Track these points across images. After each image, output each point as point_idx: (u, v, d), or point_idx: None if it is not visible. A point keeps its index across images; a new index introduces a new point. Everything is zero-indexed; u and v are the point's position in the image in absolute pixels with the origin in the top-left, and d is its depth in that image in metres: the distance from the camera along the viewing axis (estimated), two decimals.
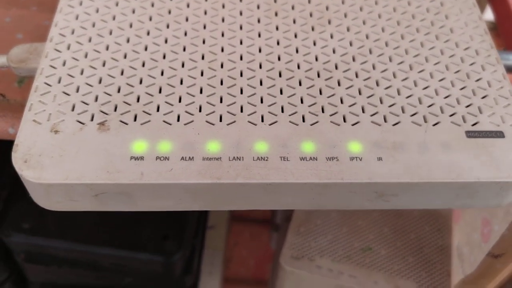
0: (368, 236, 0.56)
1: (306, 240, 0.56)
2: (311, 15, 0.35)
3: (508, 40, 0.46)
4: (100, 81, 0.30)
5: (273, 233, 0.80)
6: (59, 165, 0.26)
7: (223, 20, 0.34)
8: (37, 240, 0.54)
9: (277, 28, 0.34)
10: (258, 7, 0.35)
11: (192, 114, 0.29)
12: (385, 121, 0.29)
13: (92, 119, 0.28)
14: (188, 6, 0.34)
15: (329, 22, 0.34)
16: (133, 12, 0.34)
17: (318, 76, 0.31)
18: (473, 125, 0.30)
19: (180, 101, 0.29)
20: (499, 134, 0.29)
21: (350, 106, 0.30)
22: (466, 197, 0.29)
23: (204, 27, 0.33)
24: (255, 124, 0.29)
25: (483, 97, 0.31)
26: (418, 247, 0.55)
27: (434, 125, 0.29)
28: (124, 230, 0.55)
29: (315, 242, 0.55)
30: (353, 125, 0.29)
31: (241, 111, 0.29)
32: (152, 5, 0.34)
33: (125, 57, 0.31)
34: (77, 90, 0.29)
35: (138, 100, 0.29)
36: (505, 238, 0.38)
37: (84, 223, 0.55)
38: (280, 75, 0.31)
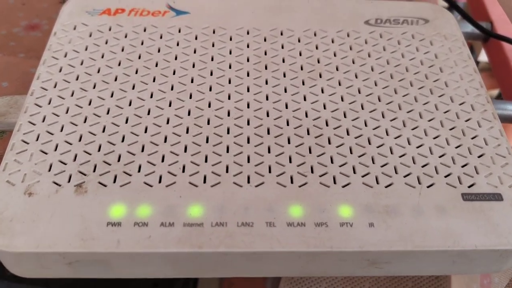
0: (364, 284, 0.54)
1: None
2: (302, 68, 0.34)
3: (505, 88, 0.45)
4: (80, 139, 0.29)
5: (268, 279, 0.77)
6: (31, 231, 0.25)
7: (211, 74, 0.33)
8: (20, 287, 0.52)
9: (266, 82, 0.33)
10: (248, 59, 0.34)
11: (175, 175, 0.27)
12: (377, 182, 0.28)
13: (69, 180, 0.27)
14: (176, 58, 0.34)
15: (320, 75, 0.33)
16: (119, 64, 0.33)
17: (308, 133, 0.30)
18: (470, 186, 0.28)
19: (163, 160, 0.28)
20: (497, 197, 0.28)
21: (340, 166, 0.29)
22: (464, 264, 0.27)
23: (192, 81, 0.32)
24: (241, 186, 0.27)
25: (480, 156, 0.30)
26: None
27: (428, 187, 0.28)
28: (113, 279, 0.53)
29: None
30: (343, 186, 0.28)
31: (227, 171, 0.28)
32: (139, 57, 0.33)
33: (108, 112, 0.30)
34: (56, 149, 0.28)
35: (119, 160, 0.28)
36: None
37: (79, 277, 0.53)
38: (268, 132, 0.30)
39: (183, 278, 0.57)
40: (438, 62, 0.35)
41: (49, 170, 0.27)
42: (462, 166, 0.29)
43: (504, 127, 0.32)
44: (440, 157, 0.30)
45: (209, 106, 0.31)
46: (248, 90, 0.32)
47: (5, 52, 0.42)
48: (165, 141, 0.29)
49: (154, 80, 0.32)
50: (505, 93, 0.45)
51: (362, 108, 0.32)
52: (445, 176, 0.29)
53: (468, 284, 0.53)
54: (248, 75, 0.33)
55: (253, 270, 0.26)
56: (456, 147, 0.30)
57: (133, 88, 0.32)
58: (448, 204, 0.28)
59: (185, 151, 0.28)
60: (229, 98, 0.32)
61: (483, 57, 0.75)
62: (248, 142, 0.29)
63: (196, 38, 0.35)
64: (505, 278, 0.44)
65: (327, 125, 0.31)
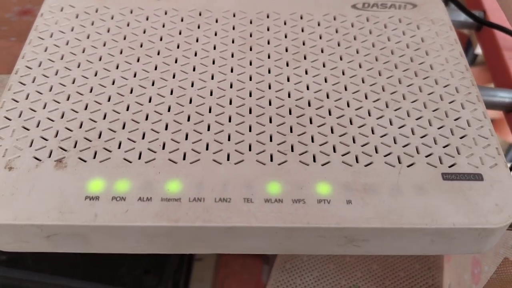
0: (356, 273, 0.54)
1: (291, 277, 0.54)
2: (286, 50, 0.34)
3: (496, 76, 0.45)
4: (62, 116, 0.29)
5: (265, 265, 0.78)
6: (9, 204, 0.25)
7: (195, 54, 0.33)
8: (14, 272, 0.53)
9: (250, 63, 0.33)
10: (232, 41, 0.34)
11: (155, 152, 0.28)
12: (357, 161, 0.28)
13: (50, 156, 0.27)
14: (161, 39, 0.34)
15: (305, 57, 0.33)
16: (104, 45, 0.33)
17: (290, 113, 0.30)
18: (450, 166, 0.28)
19: (143, 137, 0.28)
20: (478, 177, 0.28)
21: (321, 145, 0.29)
22: (443, 243, 0.27)
23: (176, 61, 0.32)
24: (220, 163, 0.27)
25: (462, 137, 0.30)
26: (408, 286, 0.53)
27: (408, 166, 0.28)
28: (104, 264, 0.53)
29: (300, 280, 0.53)
30: (323, 165, 0.28)
31: (207, 149, 0.28)
32: (124, 38, 0.34)
33: (91, 91, 0.30)
34: (38, 125, 0.28)
35: (99, 136, 0.28)
36: (493, 282, 0.36)
37: (63, 256, 0.53)
38: (250, 112, 0.30)
39: (175, 265, 0.57)
40: (424, 46, 0.35)
41: (30, 146, 0.27)
42: (444, 147, 0.29)
43: (498, 121, 0.32)
44: (422, 137, 0.30)
45: (192, 85, 0.31)
46: (231, 71, 0.32)
47: None
48: (146, 119, 0.29)
49: (138, 60, 0.32)
50: (497, 81, 0.45)
51: (345, 90, 0.32)
52: (426, 156, 0.29)
53: (459, 274, 0.53)
54: (232, 56, 0.33)
55: (230, 246, 0.27)
56: (439, 128, 0.30)
57: (117, 68, 0.32)
58: (427, 183, 0.27)
59: (166, 129, 0.29)
60: (212, 78, 0.32)
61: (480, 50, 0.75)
62: (230, 121, 0.29)
63: (182, 20, 0.35)
64: (494, 266, 0.44)
65: (309, 105, 0.31)
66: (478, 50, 0.77)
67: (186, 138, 0.28)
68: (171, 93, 0.31)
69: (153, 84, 0.31)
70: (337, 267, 0.54)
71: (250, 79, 0.32)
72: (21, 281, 0.53)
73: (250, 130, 0.29)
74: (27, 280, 0.53)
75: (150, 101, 0.30)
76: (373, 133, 0.29)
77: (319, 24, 0.36)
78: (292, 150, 0.28)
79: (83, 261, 0.53)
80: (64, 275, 0.52)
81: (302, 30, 0.35)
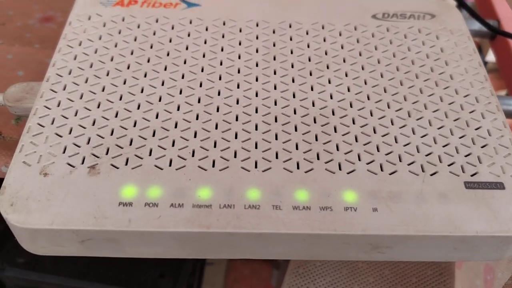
0: (368, 278, 0.54)
1: (304, 281, 0.55)
2: (309, 59, 0.35)
3: (511, 85, 0.45)
4: (93, 123, 0.30)
5: (274, 270, 0.78)
6: (46, 209, 0.26)
7: (221, 63, 0.34)
8: (31, 275, 0.53)
9: (275, 72, 0.33)
10: (257, 50, 0.35)
11: (185, 159, 0.28)
12: (382, 169, 0.29)
13: (82, 162, 0.28)
14: (187, 48, 0.35)
15: (328, 67, 0.34)
16: (132, 53, 0.34)
17: (315, 122, 0.31)
18: (472, 175, 0.29)
19: (173, 145, 0.29)
20: (499, 186, 0.29)
21: (346, 153, 0.29)
22: (465, 250, 0.28)
23: (202, 70, 0.33)
24: (248, 170, 0.28)
25: (483, 146, 0.30)
26: None
27: (431, 175, 0.29)
28: (120, 267, 0.54)
29: (313, 284, 0.54)
30: (348, 173, 0.28)
31: (235, 156, 0.29)
32: (151, 46, 0.34)
33: (120, 98, 0.31)
34: (70, 132, 0.29)
35: (130, 144, 0.29)
36: None
37: (79, 259, 0.54)
38: (276, 120, 0.31)
39: (190, 269, 0.58)
40: (443, 56, 0.36)
41: (64, 152, 0.28)
42: (465, 156, 0.30)
43: None
44: (443, 146, 0.30)
45: (219, 94, 0.32)
46: (256, 80, 0.33)
47: (21, 43, 0.43)
48: (176, 126, 0.30)
49: (165, 69, 0.33)
50: (511, 90, 0.46)
51: (368, 99, 0.32)
52: (448, 165, 0.29)
53: (471, 280, 0.54)
54: (256, 65, 0.34)
55: (258, 252, 0.27)
56: (460, 137, 0.31)
57: (145, 76, 0.32)
58: (450, 191, 0.28)
59: (195, 136, 0.29)
60: (238, 87, 0.32)
61: (490, 57, 0.75)
62: (256, 129, 0.30)
63: (206, 30, 0.36)
64: (508, 273, 0.45)
65: (333, 114, 0.31)
66: (488, 58, 0.78)
67: (215, 146, 0.29)
68: (199, 101, 0.31)
69: (180, 93, 0.32)
70: (350, 272, 0.55)
71: (275, 88, 0.33)
72: (39, 283, 0.53)
73: (276, 138, 0.30)
74: (44, 282, 0.53)
75: (178, 109, 0.31)
76: (396, 142, 0.30)
77: (340, 34, 0.37)
78: (318, 158, 0.29)
79: (100, 264, 0.54)
80: (81, 278, 0.53)
81: (324, 40, 0.36)
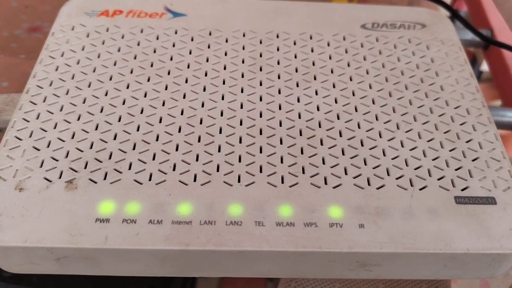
0: (363, 285, 0.53)
1: None
2: (296, 70, 0.34)
3: (504, 95, 0.45)
4: (73, 136, 0.29)
5: (269, 283, 0.77)
6: (20, 226, 0.25)
7: (206, 74, 0.33)
8: None
9: (260, 84, 0.33)
10: (243, 61, 0.34)
11: (165, 173, 0.27)
12: (369, 184, 0.28)
13: (60, 177, 0.27)
14: (171, 59, 0.34)
15: (315, 77, 0.33)
16: (115, 64, 0.33)
17: (300, 134, 0.30)
18: (463, 190, 0.28)
19: (154, 158, 0.28)
20: (491, 201, 0.28)
21: (332, 167, 0.28)
22: (455, 268, 0.27)
23: (186, 81, 0.32)
24: (231, 185, 0.27)
25: (474, 160, 0.30)
26: None
27: (421, 189, 0.28)
28: (110, 281, 0.53)
29: None
30: (334, 187, 0.28)
31: (217, 170, 0.28)
32: (135, 57, 0.34)
33: (101, 111, 0.30)
34: (48, 145, 0.28)
35: (110, 157, 0.28)
36: None
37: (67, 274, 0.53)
38: (260, 133, 0.30)
39: (180, 281, 0.57)
40: (434, 66, 0.35)
41: (41, 166, 0.27)
42: (456, 169, 0.29)
43: (505, 137, 0.32)
44: (433, 160, 0.29)
45: (203, 106, 0.31)
46: (242, 91, 0.32)
47: (6, 53, 0.43)
48: (157, 139, 0.29)
49: (148, 80, 0.32)
50: (505, 100, 0.45)
51: (356, 111, 0.32)
52: (438, 179, 0.28)
53: None
54: (242, 76, 0.33)
55: (241, 270, 0.26)
56: (450, 150, 0.30)
57: (128, 88, 0.32)
58: (440, 207, 0.27)
59: (177, 149, 0.29)
60: (222, 98, 0.32)
61: (486, 67, 0.75)
62: (240, 142, 0.29)
63: (192, 40, 0.35)
64: (504, 286, 0.44)
65: (320, 126, 0.30)
66: (483, 67, 0.77)
67: (197, 159, 0.28)
68: (182, 113, 0.30)
69: (163, 104, 0.31)
70: (343, 286, 0.54)
71: (261, 99, 0.32)
72: None
73: (261, 152, 0.29)
74: None
75: (160, 121, 0.30)
76: (384, 155, 0.29)
77: (328, 44, 0.36)
78: (303, 172, 0.28)
79: (88, 279, 0.52)
80: None
81: (312, 51, 0.35)
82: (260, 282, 0.84)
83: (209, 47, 0.35)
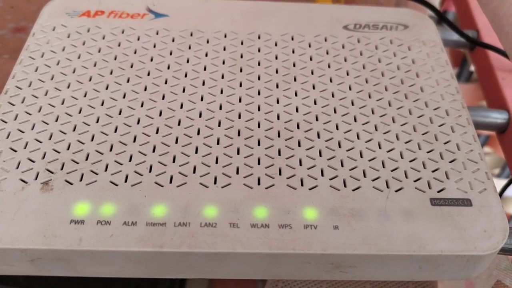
0: (350, 285, 0.53)
1: None
2: (277, 71, 0.34)
3: (489, 96, 0.45)
4: (50, 137, 0.29)
5: (259, 282, 0.77)
6: None
7: (185, 75, 0.33)
8: None
9: (240, 85, 0.33)
10: (223, 62, 0.34)
11: (141, 175, 0.27)
12: (345, 185, 0.28)
13: (36, 178, 0.27)
14: (151, 59, 0.34)
15: (295, 79, 0.33)
16: (95, 65, 0.33)
17: (279, 135, 0.30)
18: (439, 191, 0.28)
19: (130, 160, 0.28)
20: (466, 202, 0.28)
21: (309, 168, 0.28)
22: (430, 270, 0.27)
23: (166, 82, 0.32)
24: (207, 187, 0.27)
25: (451, 161, 0.30)
26: None
27: (396, 191, 0.28)
28: (97, 282, 0.53)
29: None
30: (310, 189, 0.28)
31: (194, 171, 0.28)
32: (115, 58, 0.34)
33: (79, 112, 0.30)
34: (25, 147, 0.28)
35: (87, 159, 0.28)
36: None
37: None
38: (238, 134, 0.30)
39: (168, 281, 0.57)
40: (414, 67, 0.35)
41: (17, 168, 0.27)
42: (433, 171, 0.29)
43: (494, 138, 0.32)
44: (410, 161, 0.29)
45: (181, 107, 0.31)
46: (221, 92, 0.32)
47: None
48: (134, 141, 0.29)
49: (128, 81, 0.32)
50: (490, 101, 0.45)
51: (335, 112, 0.32)
52: (415, 181, 0.29)
53: None
54: (222, 77, 0.33)
55: (216, 272, 0.26)
56: (428, 152, 0.30)
57: (107, 89, 0.32)
58: (415, 208, 0.27)
59: (154, 151, 0.29)
60: (201, 99, 0.32)
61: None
62: (218, 143, 0.29)
63: (173, 40, 0.35)
64: (487, 286, 0.44)
65: (298, 128, 0.31)
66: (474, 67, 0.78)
67: (174, 161, 0.28)
68: (160, 114, 0.31)
69: (142, 105, 0.31)
70: (330, 286, 0.54)
71: (240, 100, 0.32)
72: None
73: (238, 153, 0.29)
74: None
75: (138, 122, 0.30)
76: (361, 156, 0.29)
77: (310, 46, 0.36)
78: (280, 174, 0.28)
79: (75, 279, 0.52)
80: None
81: (293, 52, 0.35)
82: (250, 282, 0.84)
83: (190, 48, 0.35)
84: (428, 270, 0.27)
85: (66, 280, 0.52)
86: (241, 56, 0.35)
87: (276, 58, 0.35)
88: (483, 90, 0.46)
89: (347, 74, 0.34)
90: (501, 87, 0.43)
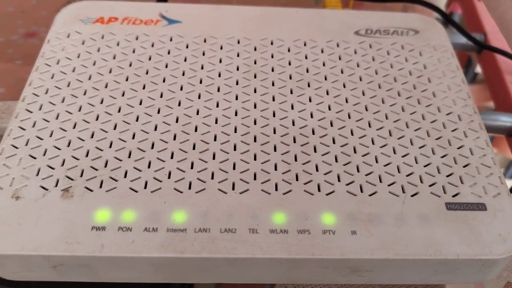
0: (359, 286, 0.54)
1: None
2: (290, 77, 0.34)
3: (497, 99, 0.45)
4: (69, 144, 0.29)
5: (267, 285, 0.77)
6: (16, 234, 0.25)
7: (200, 82, 0.33)
8: None
9: (255, 91, 0.33)
10: (237, 68, 0.34)
11: (160, 181, 0.28)
12: (361, 191, 0.28)
13: (56, 185, 0.27)
14: (166, 66, 0.34)
15: (308, 84, 0.34)
16: (110, 71, 0.33)
17: (294, 141, 0.30)
18: (454, 196, 0.29)
19: (149, 166, 0.28)
20: (481, 207, 0.28)
21: (325, 174, 0.29)
22: (446, 273, 0.27)
23: (181, 89, 0.33)
24: (225, 193, 0.28)
25: (465, 166, 0.30)
26: None
27: (412, 196, 0.28)
28: (107, 285, 0.53)
29: None
30: (327, 194, 0.28)
31: (212, 178, 0.28)
32: (130, 64, 0.34)
33: (97, 118, 0.31)
34: (44, 154, 0.29)
35: (106, 165, 0.28)
36: None
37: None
38: (255, 140, 0.30)
39: (178, 285, 0.57)
40: (426, 73, 0.35)
41: (37, 175, 0.28)
42: (447, 176, 0.29)
43: (499, 138, 0.32)
44: (425, 166, 0.30)
45: (197, 113, 0.31)
46: (236, 98, 0.32)
47: (3, 59, 0.43)
48: (152, 147, 0.29)
49: (144, 88, 0.33)
50: (498, 104, 0.45)
51: (349, 117, 0.32)
52: (430, 186, 0.29)
53: None
54: (237, 83, 0.33)
55: (235, 276, 0.27)
56: (442, 157, 0.30)
57: (123, 95, 0.32)
58: (431, 213, 0.28)
59: (172, 157, 0.29)
60: (217, 106, 0.32)
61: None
62: (235, 149, 0.30)
63: (187, 47, 0.36)
64: None
65: (313, 133, 0.31)
66: (479, 69, 0.78)
67: (192, 167, 0.29)
68: (177, 121, 0.31)
69: (158, 112, 0.31)
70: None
71: (255, 106, 0.32)
72: None
73: (255, 159, 0.29)
74: None
75: (155, 129, 0.30)
76: (377, 162, 0.30)
77: (322, 51, 0.36)
78: (297, 179, 0.28)
79: (86, 284, 0.53)
80: None
81: (306, 57, 0.36)
82: (258, 285, 0.84)
83: (204, 54, 0.35)
84: (443, 274, 0.27)
85: (77, 286, 0.52)
86: (255, 62, 0.35)
87: (290, 64, 0.35)
88: (491, 93, 0.47)
89: (360, 79, 0.34)
90: (509, 90, 0.44)
